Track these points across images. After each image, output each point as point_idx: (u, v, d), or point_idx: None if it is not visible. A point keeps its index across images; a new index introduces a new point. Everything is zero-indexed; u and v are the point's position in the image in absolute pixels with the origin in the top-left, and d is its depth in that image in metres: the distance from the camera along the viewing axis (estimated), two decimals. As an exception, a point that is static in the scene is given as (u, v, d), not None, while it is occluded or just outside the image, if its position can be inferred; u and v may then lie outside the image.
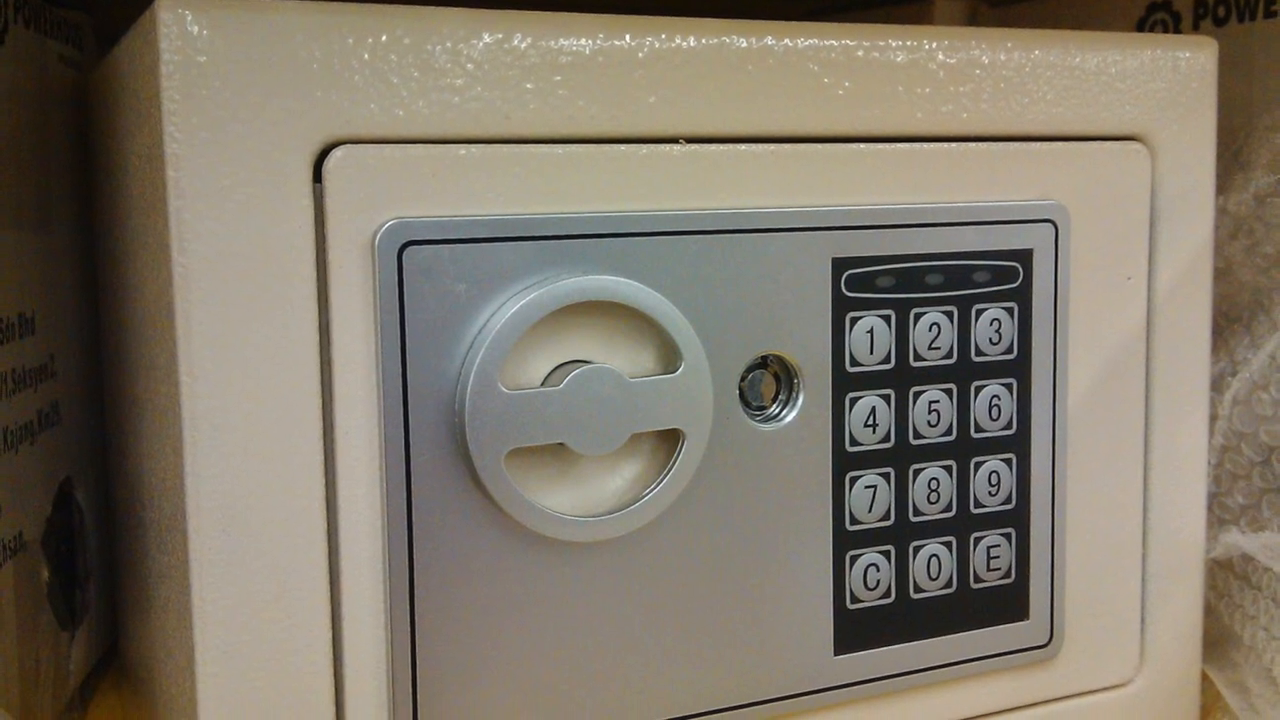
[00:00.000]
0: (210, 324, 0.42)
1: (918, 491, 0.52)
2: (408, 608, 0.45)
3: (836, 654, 0.52)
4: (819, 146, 0.49)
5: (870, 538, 0.52)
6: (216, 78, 0.41)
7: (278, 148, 0.42)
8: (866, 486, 0.51)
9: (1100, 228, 0.54)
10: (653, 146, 0.47)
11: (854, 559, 0.51)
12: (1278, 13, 0.67)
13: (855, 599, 0.52)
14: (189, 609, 0.43)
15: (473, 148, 0.45)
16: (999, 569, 0.54)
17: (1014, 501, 0.54)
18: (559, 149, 0.46)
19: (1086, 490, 0.56)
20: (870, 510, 0.51)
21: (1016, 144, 0.53)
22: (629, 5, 0.50)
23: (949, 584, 0.53)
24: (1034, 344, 0.53)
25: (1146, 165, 0.55)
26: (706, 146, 0.48)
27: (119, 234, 0.54)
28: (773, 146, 0.49)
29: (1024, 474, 0.54)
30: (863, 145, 0.50)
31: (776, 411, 0.50)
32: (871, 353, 0.51)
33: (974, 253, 0.52)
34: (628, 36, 0.46)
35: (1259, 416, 0.63)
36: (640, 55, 0.47)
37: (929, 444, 0.52)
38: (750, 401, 0.49)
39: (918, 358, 0.51)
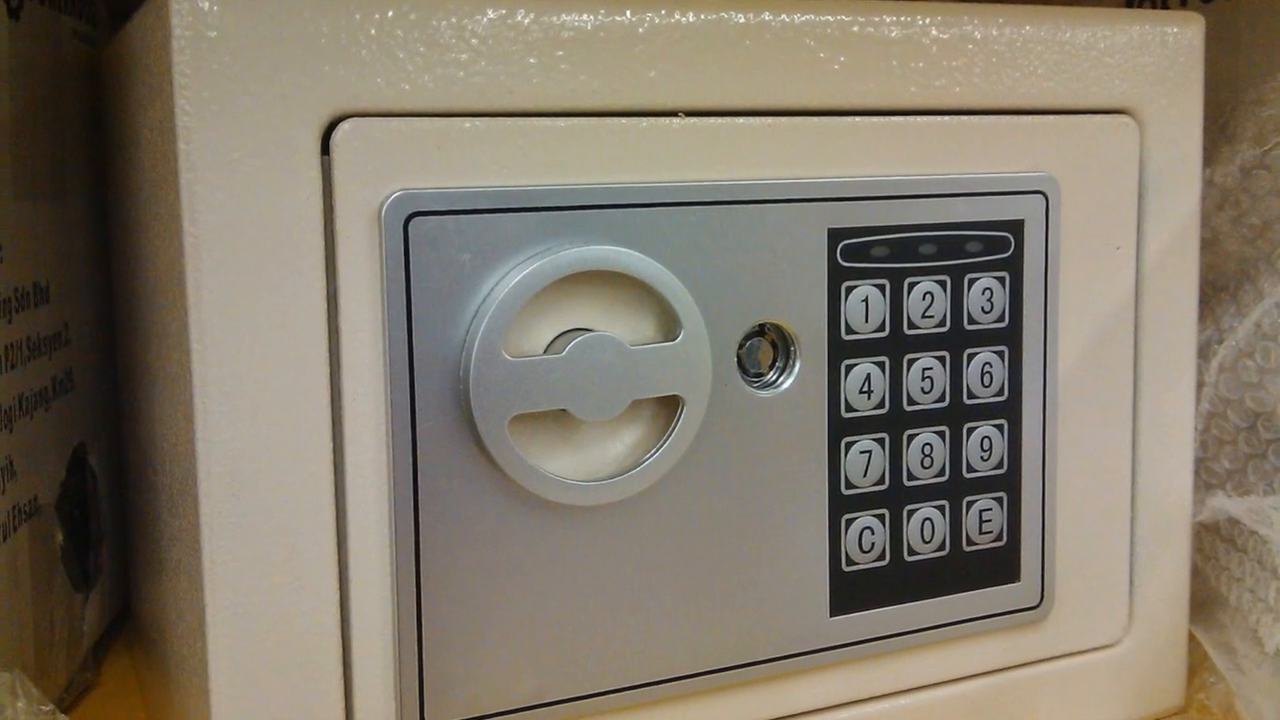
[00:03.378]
0: (220, 293, 0.42)
1: (911, 456, 0.53)
2: (413, 570, 0.45)
3: (832, 615, 0.52)
4: (815, 120, 0.50)
5: (865, 502, 0.52)
6: (227, 53, 0.42)
7: (286, 121, 0.42)
8: (861, 451, 0.52)
9: (1090, 199, 0.55)
10: (653, 120, 0.47)
11: (849, 522, 0.52)
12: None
13: (850, 562, 0.52)
14: (199, 571, 0.44)
15: (477, 121, 0.45)
16: (991, 532, 0.54)
17: (1005, 466, 0.54)
18: (561, 122, 0.46)
19: (1076, 455, 0.56)
20: (865, 475, 0.52)
21: (1008, 117, 0.53)
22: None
23: (942, 547, 0.54)
24: (1025, 312, 0.54)
25: (1135, 138, 0.55)
26: (705, 119, 0.48)
27: (131, 205, 0.54)
28: (770, 120, 0.49)
29: (1015, 439, 0.54)
30: (858, 118, 0.50)
31: (774, 378, 0.50)
32: (866, 321, 0.51)
33: (966, 223, 0.52)
34: (628, 12, 0.47)
35: (1245, 383, 0.63)
36: (640, 30, 0.47)
37: (922, 410, 0.53)
38: (748, 369, 0.50)
39: (911, 326, 0.52)
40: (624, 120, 0.47)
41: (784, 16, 0.49)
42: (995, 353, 0.53)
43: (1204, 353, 0.64)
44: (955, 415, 0.53)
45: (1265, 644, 0.58)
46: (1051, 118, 0.54)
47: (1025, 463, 0.55)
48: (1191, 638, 0.61)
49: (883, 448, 0.52)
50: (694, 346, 0.48)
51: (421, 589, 0.46)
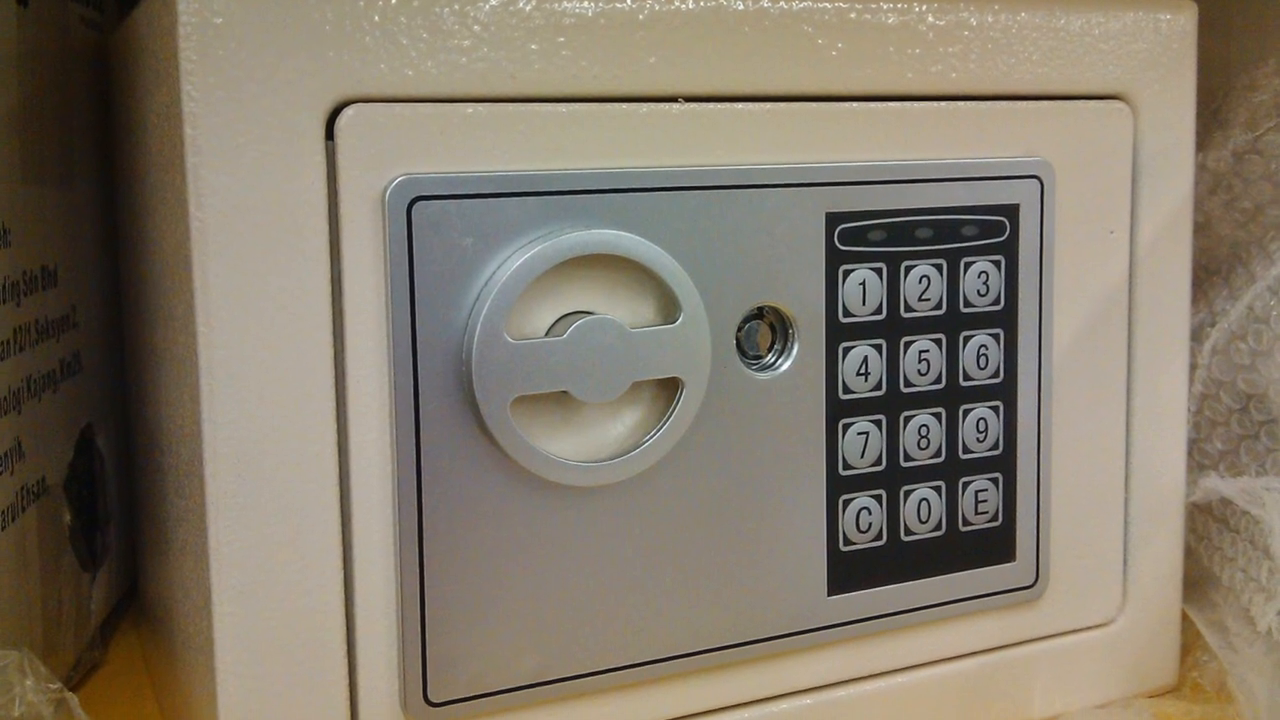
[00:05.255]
0: (226, 276, 0.43)
1: (908, 438, 0.53)
2: (416, 550, 0.46)
3: (830, 595, 0.52)
4: (813, 105, 0.50)
5: (862, 482, 0.52)
6: (232, 39, 0.42)
7: (291, 106, 0.43)
8: (859, 433, 0.52)
9: (1084, 183, 0.55)
10: (653, 105, 0.48)
11: (847, 503, 0.52)
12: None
13: (848, 541, 0.52)
14: (205, 551, 0.44)
15: (479, 106, 0.45)
16: (986, 512, 0.55)
17: (1001, 447, 0.55)
18: (562, 107, 0.46)
19: (1071, 436, 0.56)
20: (862, 456, 0.52)
21: (1003, 103, 0.53)
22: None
23: (938, 527, 0.54)
24: (1020, 295, 0.54)
25: (1129, 123, 0.56)
26: (705, 105, 0.48)
27: (138, 189, 0.54)
28: (769, 105, 0.49)
29: (1011, 421, 0.55)
30: (855, 104, 0.51)
31: (772, 361, 0.51)
32: (864, 304, 0.51)
33: (962, 207, 0.52)
34: (629, -1, 0.47)
35: (1237, 365, 0.63)
36: (641, 17, 0.47)
37: (919, 392, 0.53)
38: (747, 351, 0.50)
39: (908, 309, 0.52)
40: (624, 106, 0.47)
41: (782, 3, 0.49)
42: (991, 335, 0.54)
43: (1197, 335, 0.64)
44: (951, 397, 0.53)
45: (1257, 623, 0.58)
46: (1046, 103, 0.54)
47: (1020, 444, 0.55)
48: (1185, 617, 0.62)
49: (880, 429, 0.52)
50: (693, 329, 0.48)
51: (425, 568, 0.46)
